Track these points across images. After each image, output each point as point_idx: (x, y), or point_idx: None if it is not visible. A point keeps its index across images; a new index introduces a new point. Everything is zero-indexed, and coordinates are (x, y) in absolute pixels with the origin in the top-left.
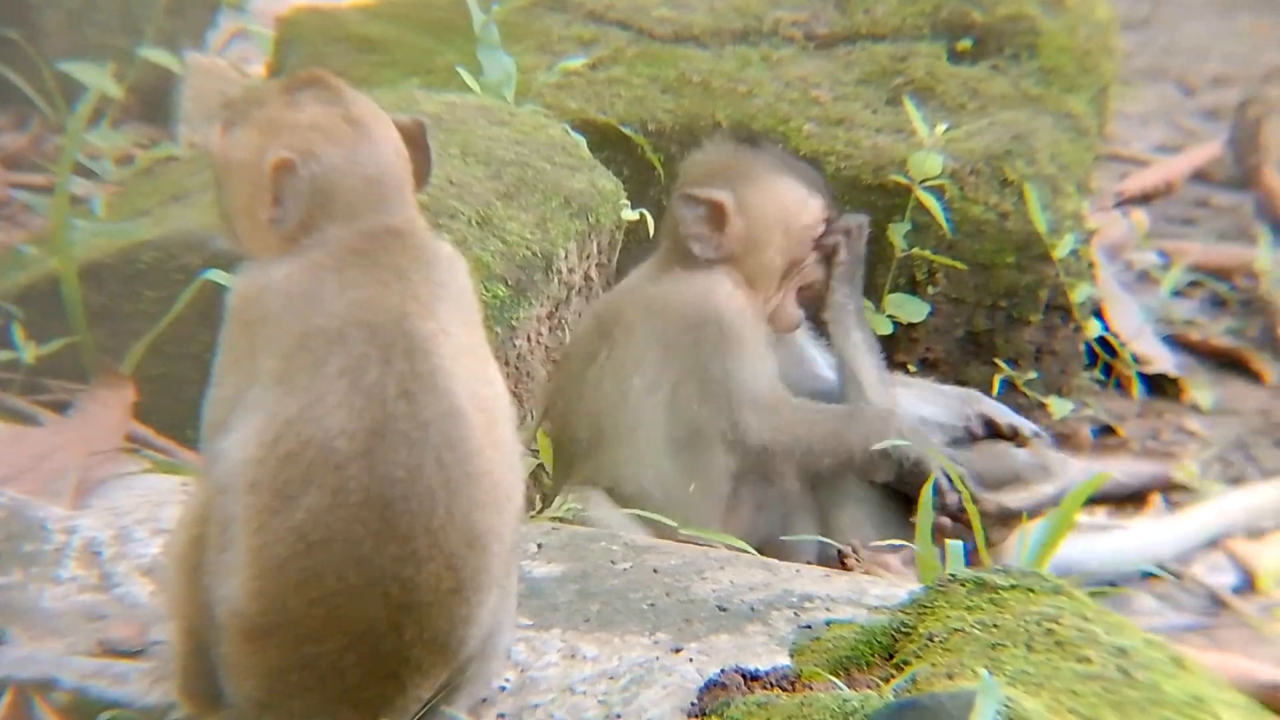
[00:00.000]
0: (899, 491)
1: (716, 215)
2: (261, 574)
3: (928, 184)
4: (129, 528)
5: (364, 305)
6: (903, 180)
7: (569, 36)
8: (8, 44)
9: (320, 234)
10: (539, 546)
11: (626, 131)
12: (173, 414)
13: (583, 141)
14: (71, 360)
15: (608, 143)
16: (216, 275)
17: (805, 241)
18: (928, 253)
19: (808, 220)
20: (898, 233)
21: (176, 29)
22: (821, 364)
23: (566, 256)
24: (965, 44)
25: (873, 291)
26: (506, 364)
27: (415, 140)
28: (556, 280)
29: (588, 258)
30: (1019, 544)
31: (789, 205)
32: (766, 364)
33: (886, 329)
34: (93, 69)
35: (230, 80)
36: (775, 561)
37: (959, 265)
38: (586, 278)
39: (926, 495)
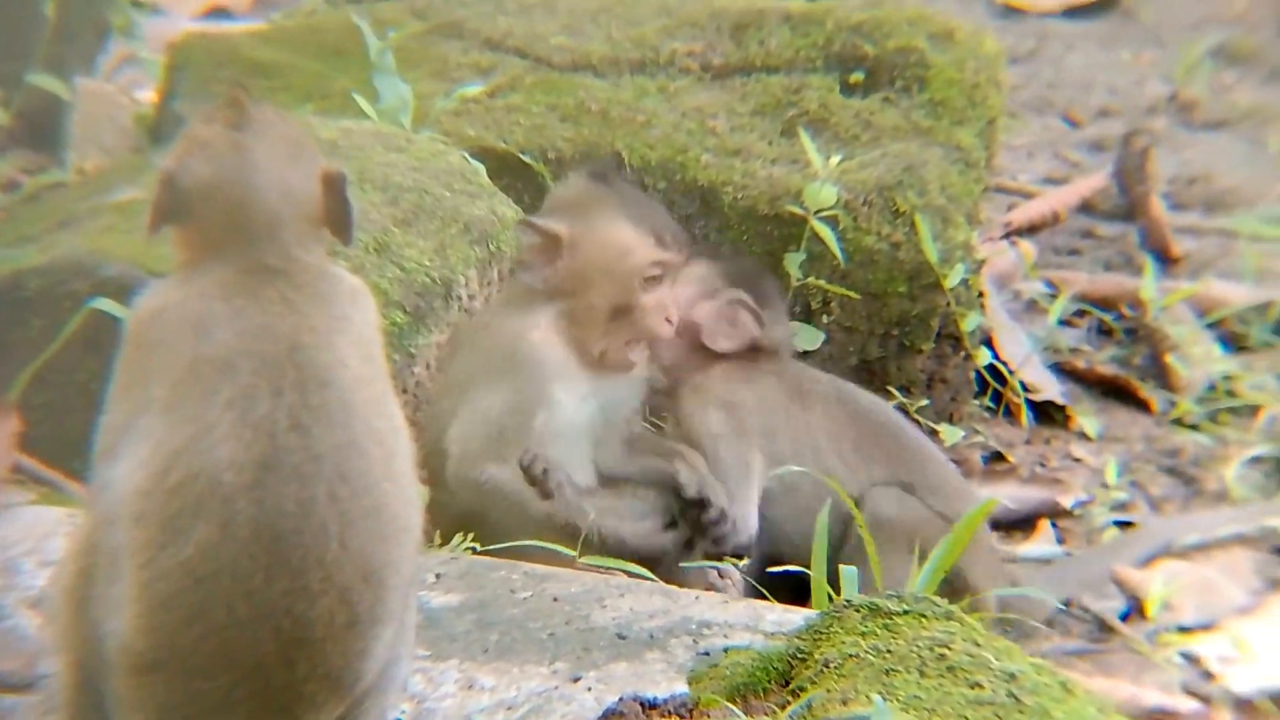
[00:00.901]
0: None
1: (550, 247)
2: (150, 609)
3: (822, 214)
4: (15, 559)
5: (256, 335)
6: (798, 211)
7: (466, 64)
8: None
9: (216, 257)
10: (437, 576)
11: (526, 159)
12: (59, 444)
13: (482, 169)
14: None
15: (507, 170)
16: (104, 303)
17: (631, 286)
18: (822, 282)
19: (634, 264)
20: (793, 263)
21: (65, 54)
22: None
23: (467, 284)
24: (857, 76)
25: None
26: (405, 391)
27: (331, 188)
28: (456, 307)
29: (489, 285)
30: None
31: (618, 247)
32: (537, 412)
33: None
34: None
35: (120, 106)
36: (675, 588)
37: (852, 295)
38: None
39: (822, 521)
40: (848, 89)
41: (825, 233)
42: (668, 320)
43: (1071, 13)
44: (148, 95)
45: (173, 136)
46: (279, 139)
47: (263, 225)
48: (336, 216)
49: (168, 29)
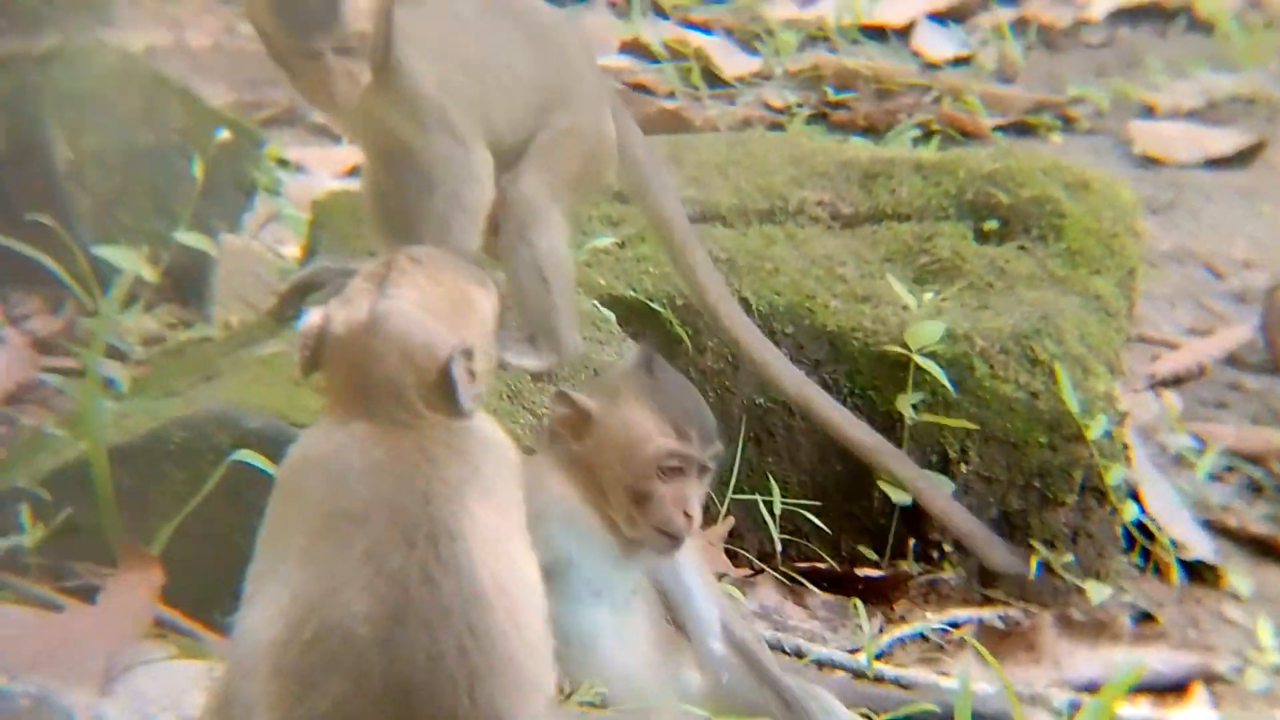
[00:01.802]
0: None
1: (580, 421)
2: None
3: (926, 351)
4: (154, 715)
5: (390, 487)
6: (905, 352)
7: (598, 217)
8: (42, 229)
9: (355, 408)
10: None
11: (654, 306)
12: (200, 597)
13: (612, 316)
14: (98, 544)
15: (636, 317)
16: (246, 455)
17: (646, 475)
18: (943, 418)
19: (649, 454)
20: (904, 404)
21: (211, 212)
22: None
23: None
24: (991, 224)
25: None
26: None
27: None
28: None
29: None
30: None
31: (638, 433)
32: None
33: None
34: (127, 253)
35: (264, 261)
36: None
37: (970, 425)
38: None
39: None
40: (981, 236)
41: (932, 368)
42: (686, 515)
43: (1211, 164)
44: (291, 251)
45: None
46: (418, 303)
47: (387, 385)
48: (445, 391)
49: (311, 186)
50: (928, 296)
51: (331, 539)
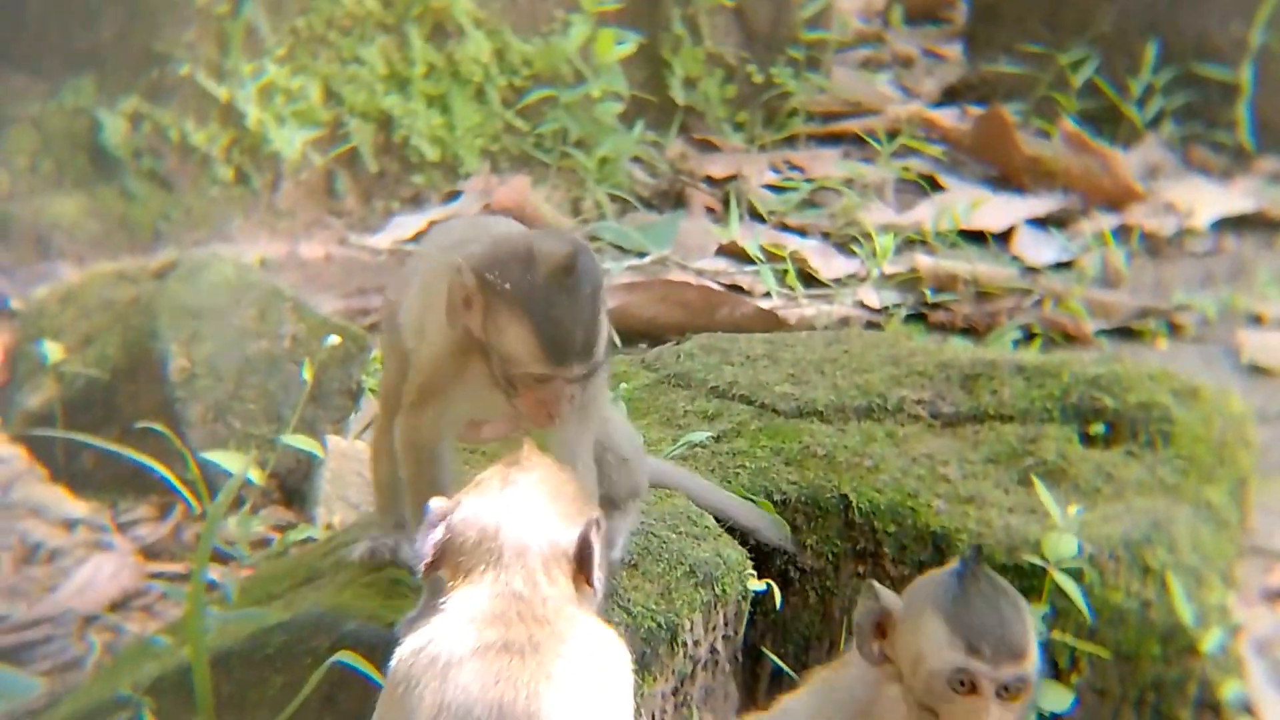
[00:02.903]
0: None
1: (882, 624)
2: None
3: (1064, 567)
4: None
5: (495, 681)
6: (1037, 562)
7: (694, 411)
8: (151, 436)
9: (467, 592)
10: None
11: (752, 500)
12: None
13: (707, 513)
14: None
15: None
16: (345, 657)
17: (935, 688)
18: (1069, 637)
19: (936, 667)
20: (1035, 616)
21: (318, 415)
22: None
23: (691, 628)
24: (1097, 428)
25: None
26: None
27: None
28: (682, 654)
29: (713, 629)
30: None
31: (926, 643)
32: None
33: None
34: (235, 457)
35: (367, 464)
36: None
37: (1103, 652)
38: (712, 650)
39: None
40: (1087, 441)
41: (1069, 586)
42: None
43: None
44: None
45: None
46: (547, 483)
47: (534, 561)
48: (581, 561)
49: None
50: (1072, 510)
51: None
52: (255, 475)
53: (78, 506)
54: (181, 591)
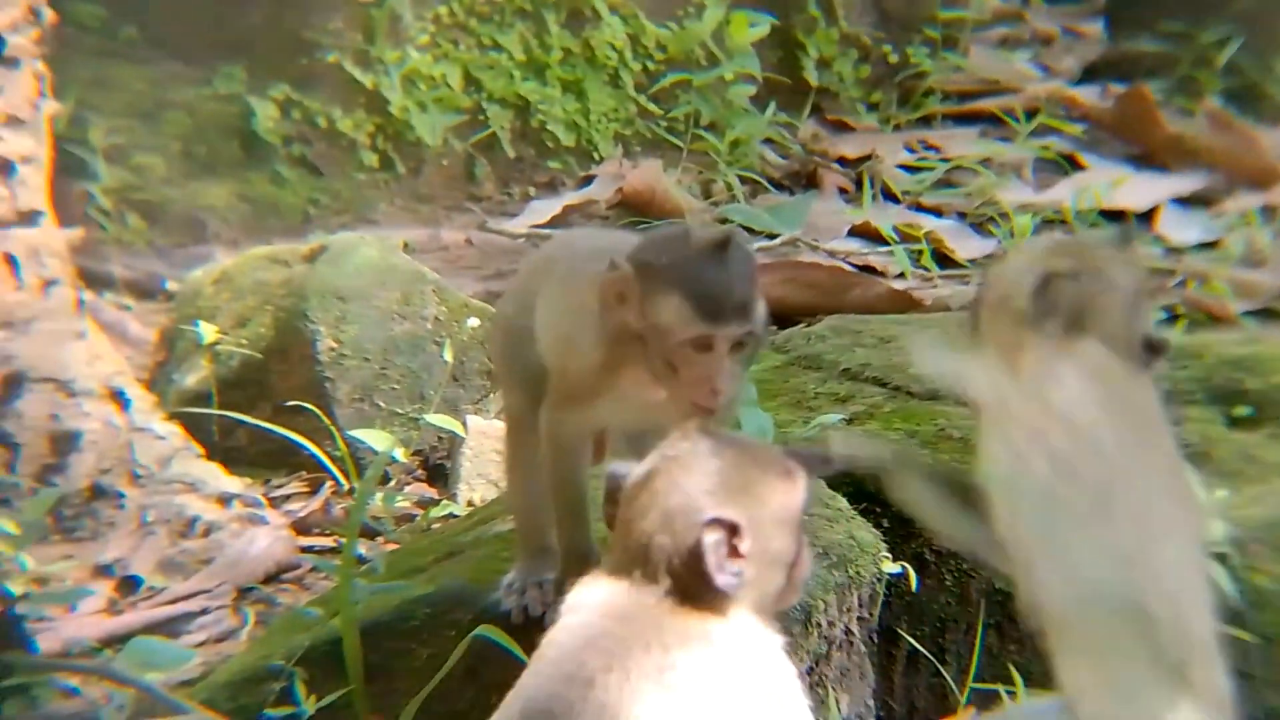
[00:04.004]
0: None
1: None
2: None
3: (1209, 551)
4: None
5: (576, 658)
6: None
7: (824, 393)
8: (303, 415)
9: (618, 565)
10: None
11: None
12: None
13: (841, 496)
14: (348, 719)
15: (865, 496)
16: (485, 630)
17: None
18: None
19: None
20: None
21: (459, 395)
22: None
23: (825, 609)
24: (1241, 411)
25: None
26: None
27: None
28: (816, 635)
29: (847, 611)
30: None
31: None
32: None
33: None
34: (381, 435)
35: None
36: None
37: (1246, 636)
38: (847, 632)
39: None
40: (1231, 423)
41: (1215, 570)
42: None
43: None
44: None
45: None
46: (693, 469)
47: (641, 543)
48: (694, 561)
49: None
50: (1218, 494)
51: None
52: (400, 453)
53: (232, 482)
54: (332, 565)
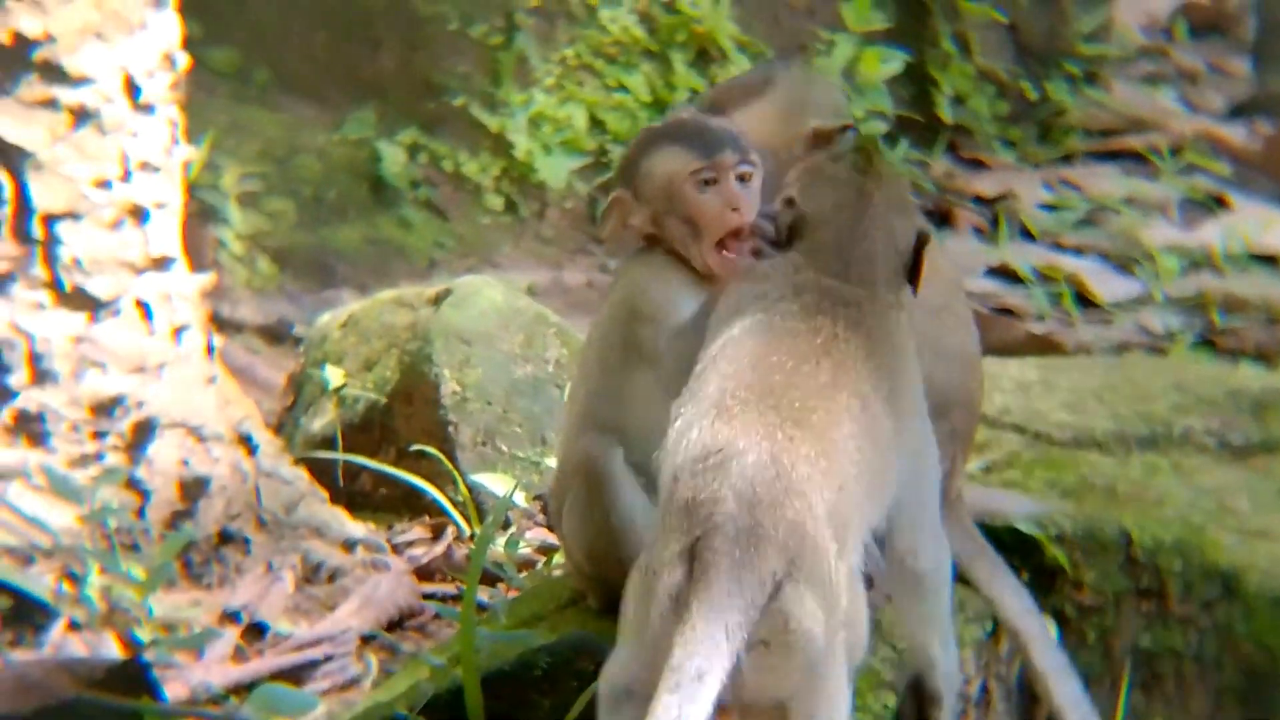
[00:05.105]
0: None
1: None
2: None
3: None
4: None
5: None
6: None
7: None
8: (424, 459)
9: (809, 276)
10: None
11: (1026, 531)
12: None
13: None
14: None
15: (1004, 547)
16: None
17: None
18: None
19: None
20: None
21: None
22: None
23: (962, 665)
24: None
25: None
26: None
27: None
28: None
29: (985, 667)
30: None
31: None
32: None
33: None
34: (503, 479)
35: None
36: None
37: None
38: (984, 689)
39: None
40: None
41: None
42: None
43: None
44: None
45: None
46: (893, 192)
47: (864, 258)
48: (913, 271)
49: None
50: None
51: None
52: (521, 497)
53: (356, 527)
54: (454, 611)
